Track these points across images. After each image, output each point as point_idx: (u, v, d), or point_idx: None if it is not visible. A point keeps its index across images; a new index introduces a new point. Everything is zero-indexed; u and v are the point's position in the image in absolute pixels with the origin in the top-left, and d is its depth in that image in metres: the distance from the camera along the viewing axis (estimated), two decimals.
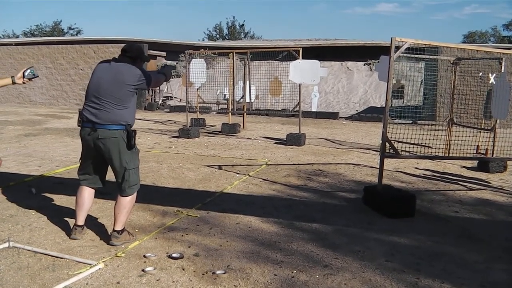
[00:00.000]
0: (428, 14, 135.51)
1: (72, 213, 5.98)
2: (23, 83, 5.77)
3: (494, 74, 9.32)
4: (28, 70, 5.63)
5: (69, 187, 7.96)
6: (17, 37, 63.28)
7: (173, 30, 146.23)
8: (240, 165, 10.41)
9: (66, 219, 6.37)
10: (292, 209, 7.17)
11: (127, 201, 5.63)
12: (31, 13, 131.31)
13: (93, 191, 5.85)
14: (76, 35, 65.22)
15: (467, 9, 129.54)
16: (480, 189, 8.87)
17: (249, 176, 9.29)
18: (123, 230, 5.66)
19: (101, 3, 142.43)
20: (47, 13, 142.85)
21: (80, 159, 5.84)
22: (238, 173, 9.48)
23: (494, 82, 9.14)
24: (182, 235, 5.90)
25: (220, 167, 9.99)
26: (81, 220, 5.79)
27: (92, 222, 6.23)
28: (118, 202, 5.61)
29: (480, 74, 12.20)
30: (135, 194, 5.71)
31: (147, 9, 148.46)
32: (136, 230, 6.06)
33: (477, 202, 7.97)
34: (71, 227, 5.86)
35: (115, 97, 5.33)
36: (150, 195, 7.66)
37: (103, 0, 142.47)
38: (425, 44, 7.63)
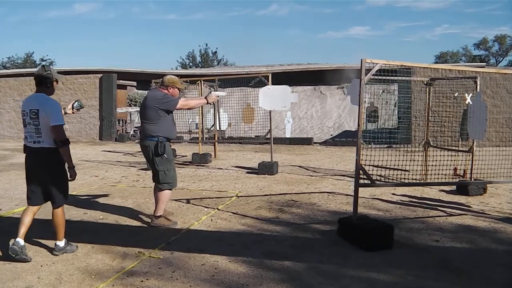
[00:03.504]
0: (400, 36, 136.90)
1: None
2: (72, 113, 6.92)
3: (471, 94, 9.00)
4: (76, 103, 6.87)
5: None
6: None
7: (146, 59, 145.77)
8: (209, 197, 9.92)
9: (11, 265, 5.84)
10: (262, 245, 6.70)
11: (161, 194, 7.68)
12: (3, 45, 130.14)
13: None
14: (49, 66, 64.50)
15: (438, 30, 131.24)
16: (461, 214, 8.46)
17: (218, 210, 8.80)
18: (160, 216, 7.73)
19: (73, 34, 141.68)
20: (19, 45, 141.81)
21: None
22: (206, 207, 8.99)
23: (470, 102, 8.80)
24: (142, 281, 5.41)
25: (188, 201, 9.49)
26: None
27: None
28: (156, 195, 7.81)
29: (456, 94, 11.88)
30: (167, 190, 7.69)
31: (120, 39, 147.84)
32: (93, 276, 5.56)
33: (459, 229, 7.56)
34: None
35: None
36: (112, 234, 7.26)
37: (76, 32, 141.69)
38: (397, 65, 7.26)
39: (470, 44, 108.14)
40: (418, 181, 11.08)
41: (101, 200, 9.68)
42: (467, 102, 8.88)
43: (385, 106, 25.20)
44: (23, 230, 6.16)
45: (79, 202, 9.39)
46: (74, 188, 10.90)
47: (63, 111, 6.43)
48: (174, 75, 7.99)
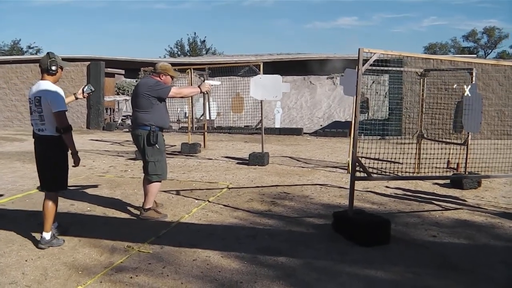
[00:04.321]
0: (388, 27, 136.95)
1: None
2: (84, 97, 7.10)
3: (470, 86, 8.82)
4: (86, 87, 6.93)
5: (9, 221, 7.29)
6: None
7: (134, 47, 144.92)
8: (200, 189, 9.69)
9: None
10: (255, 240, 6.49)
11: (151, 186, 7.43)
12: None
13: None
14: (36, 54, 63.92)
15: (425, 22, 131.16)
16: (456, 209, 8.31)
17: (209, 202, 8.59)
18: (149, 209, 7.48)
19: (61, 22, 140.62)
20: (6, 33, 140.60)
21: None
22: (197, 199, 8.78)
23: (469, 94, 8.62)
24: (131, 277, 5.20)
25: (177, 193, 9.28)
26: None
27: None
28: (145, 186, 7.55)
29: (455, 85, 11.70)
30: (156, 182, 7.46)
31: (109, 26, 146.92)
32: (80, 272, 5.34)
33: (455, 223, 7.39)
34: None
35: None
36: (99, 228, 7.04)
37: (63, 19, 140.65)
38: (395, 55, 7.05)
39: (459, 36, 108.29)
40: (413, 175, 10.91)
41: (88, 191, 9.44)
42: (465, 94, 8.70)
43: (375, 97, 25.07)
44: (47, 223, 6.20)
45: (65, 193, 9.06)
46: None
47: (73, 96, 6.88)
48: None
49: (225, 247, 6.15)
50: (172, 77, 7.59)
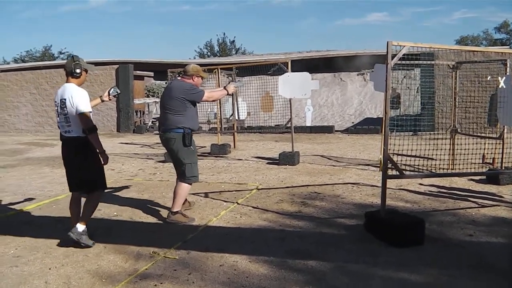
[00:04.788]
0: (418, 21, 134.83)
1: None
2: (109, 99, 7.13)
3: (504, 78, 8.53)
4: (112, 89, 7.00)
5: (35, 227, 7.21)
6: (8, 63, 62.56)
7: (165, 49, 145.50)
8: (229, 191, 9.55)
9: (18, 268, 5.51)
10: (285, 243, 6.30)
11: (181, 188, 7.36)
12: (22, 39, 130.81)
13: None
14: (67, 59, 64.26)
15: (456, 14, 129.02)
16: (493, 205, 8.02)
17: (238, 204, 8.42)
18: (176, 212, 7.33)
19: (91, 26, 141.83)
20: (38, 38, 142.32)
21: None
22: (225, 201, 8.62)
23: (504, 86, 8.34)
24: (156, 285, 5.04)
25: (206, 195, 9.13)
26: None
27: None
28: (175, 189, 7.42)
29: (489, 77, 11.41)
30: (187, 185, 7.40)
31: (137, 30, 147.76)
32: (103, 280, 5.21)
33: (492, 221, 7.11)
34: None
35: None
36: (125, 233, 6.93)
37: (92, 23, 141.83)
38: (425, 47, 6.79)
39: (490, 28, 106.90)
40: (447, 171, 10.63)
41: (116, 195, 9.34)
42: (500, 86, 8.42)
43: (407, 92, 24.71)
44: (73, 219, 6.39)
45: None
46: None
47: (99, 99, 6.99)
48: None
49: (254, 251, 5.97)
50: (202, 78, 7.63)
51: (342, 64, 29.72)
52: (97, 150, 6.26)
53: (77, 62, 6.24)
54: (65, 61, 6.71)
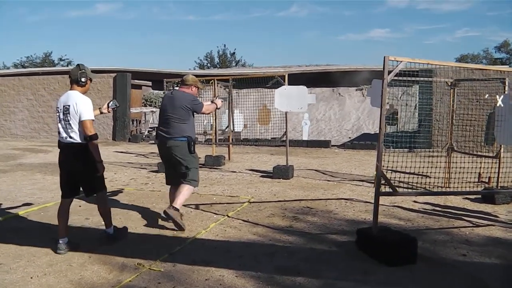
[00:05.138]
0: (421, 39, 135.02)
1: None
2: (108, 112, 7.30)
3: (503, 96, 8.43)
4: (112, 102, 7.20)
5: (21, 235, 7.06)
6: (8, 68, 62.54)
7: (163, 59, 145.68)
8: (220, 203, 9.39)
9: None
10: (274, 258, 6.15)
11: (187, 189, 7.62)
12: (24, 44, 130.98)
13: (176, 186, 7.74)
14: (67, 66, 64.38)
15: (458, 33, 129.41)
16: (488, 225, 7.89)
17: (228, 217, 8.27)
18: (177, 209, 7.42)
19: (92, 34, 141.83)
20: (39, 45, 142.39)
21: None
22: (216, 213, 8.48)
23: (502, 105, 8.24)
24: None
25: (196, 207, 8.99)
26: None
27: None
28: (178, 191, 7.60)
29: (487, 96, 11.30)
30: (192, 187, 7.72)
31: (141, 39, 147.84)
32: None
33: (487, 241, 6.98)
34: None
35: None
36: (112, 243, 6.71)
37: (94, 31, 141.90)
38: (423, 63, 6.67)
39: (491, 47, 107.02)
40: (442, 189, 10.51)
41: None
42: (498, 104, 8.32)
43: (405, 109, 24.63)
44: (61, 228, 6.47)
45: (82, 206, 8.93)
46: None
47: (98, 110, 7.08)
48: (193, 75, 8.03)
49: (241, 266, 5.83)
50: (198, 88, 8.12)
51: (341, 79, 29.64)
52: (95, 158, 6.36)
53: (83, 70, 6.38)
54: (63, 68, 6.88)
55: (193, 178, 7.66)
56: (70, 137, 6.30)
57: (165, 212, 7.40)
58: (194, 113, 7.81)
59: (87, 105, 6.29)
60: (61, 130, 6.36)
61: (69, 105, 6.27)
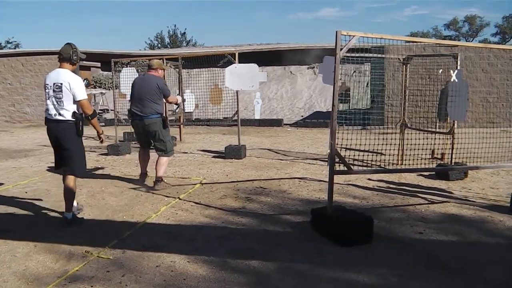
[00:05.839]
0: (370, 17, 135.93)
1: None
2: None
3: (456, 71, 8.35)
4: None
5: None
6: None
7: (113, 40, 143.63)
8: (171, 185, 9.12)
9: None
10: (227, 241, 5.96)
11: (164, 159, 8.92)
12: None
13: (148, 150, 9.28)
14: (15, 48, 62.95)
15: (407, 11, 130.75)
16: (443, 202, 7.83)
17: (180, 199, 8.03)
18: (161, 179, 8.88)
19: (40, 15, 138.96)
20: None
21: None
22: (167, 196, 8.23)
23: (456, 80, 8.16)
24: None
25: (147, 190, 8.74)
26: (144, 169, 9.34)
27: None
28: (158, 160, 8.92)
29: (440, 71, 11.26)
30: (167, 157, 8.99)
31: (89, 20, 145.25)
32: (29, 283, 4.79)
33: (442, 218, 6.90)
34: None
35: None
36: (59, 230, 6.50)
37: (42, 12, 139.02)
38: (376, 37, 6.49)
39: (440, 24, 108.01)
40: (397, 166, 10.44)
41: (53, 189, 8.81)
42: (452, 80, 8.24)
43: (357, 86, 24.62)
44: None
45: (29, 192, 8.61)
46: (27, 176, 10.13)
47: None
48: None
49: (193, 250, 5.62)
50: (164, 70, 9.55)
51: (292, 58, 29.51)
52: (97, 131, 7.01)
53: (75, 49, 6.64)
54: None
55: (170, 149, 8.91)
56: (60, 114, 6.51)
57: (155, 188, 8.75)
58: (164, 96, 8.91)
59: (80, 85, 6.57)
60: (50, 107, 6.54)
61: (61, 83, 6.44)
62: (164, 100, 9.07)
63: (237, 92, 12.68)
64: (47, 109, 6.61)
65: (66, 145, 6.63)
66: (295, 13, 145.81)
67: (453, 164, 9.44)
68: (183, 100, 12.08)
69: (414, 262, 5.27)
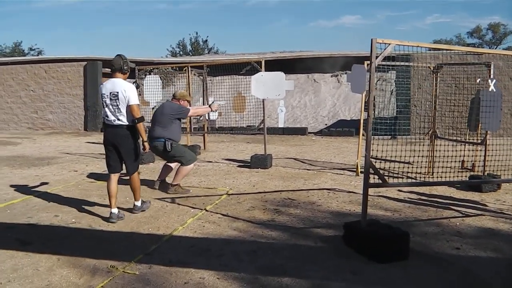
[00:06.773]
0: (391, 25, 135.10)
1: None
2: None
3: (495, 81, 8.11)
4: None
5: None
6: None
7: (135, 48, 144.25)
8: (197, 196, 8.96)
9: None
10: (257, 256, 5.73)
11: (184, 168, 9.11)
12: None
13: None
14: (37, 55, 63.35)
15: (429, 19, 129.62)
16: (478, 215, 7.57)
17: (206, 211, 7.84)
18: (177, 185, 9.24)
19: (63, 23, 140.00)
20: (9, 34, 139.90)
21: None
22: (193, 207, 8.05)
23: (494, 90, 7.91)
24: None
25: (172, 200, 8.57)
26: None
27: None
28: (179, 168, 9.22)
29: (478, 80, 11.00)
30: (189, 166, 9.16)
31: (110, 29, 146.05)
32: None
33: (479, 232, 6.65)
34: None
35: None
36: (83, 243, 6.31)
37: (64, 20, 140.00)
38: (413, 45, 6.25)
39: (463, 32, 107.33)
40: (425, 176, 10.19)
41: (76, 199, 8.70)
42: (490, 89, 7.98)
43: (381, 95, 24.37)
44: (113, 201, 7.39)
45: (51, 202, 8.46)
46: (50, 184, 10.00)
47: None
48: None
49: (222, 266, 5.41)
50: (188, 101, 9.76)
51: (315, 65, 29.28)
52: (142, 138, 7.44)
53: (125, 60, 7.19)
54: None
55: (186, 161, 9.04)
56: (119, 120, 7.17)
57: (168, 192, 9.22)
58: (180, 119, 9.38)
59: (134, 91, 7.22)
60: (109, 114, 7.18)
61: (117, 92, 7.07)
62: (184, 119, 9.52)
63: (263, 100, 12.48)
64: (106, 116, 7.22)
65: (124, 146, 7.26)
66: (315, 20, 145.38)
67: (485, 175, 9.17)
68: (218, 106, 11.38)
69: (455, 280, 5.03)
